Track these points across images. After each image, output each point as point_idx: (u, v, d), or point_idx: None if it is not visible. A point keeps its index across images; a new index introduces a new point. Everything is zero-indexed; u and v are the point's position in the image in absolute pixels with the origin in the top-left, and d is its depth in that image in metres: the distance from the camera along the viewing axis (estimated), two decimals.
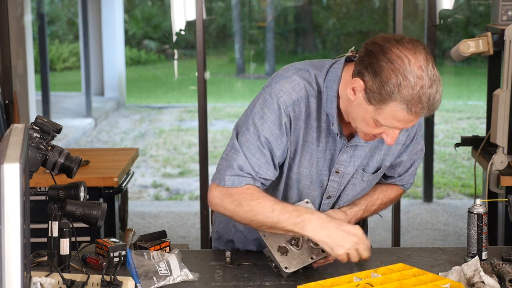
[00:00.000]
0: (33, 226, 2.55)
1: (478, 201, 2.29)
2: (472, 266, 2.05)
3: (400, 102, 1.92)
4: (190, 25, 7.99)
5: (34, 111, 6.40)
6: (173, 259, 2.14)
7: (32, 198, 2.31)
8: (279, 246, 2.14)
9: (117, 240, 2.23)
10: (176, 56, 13.59)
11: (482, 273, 2.02)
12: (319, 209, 2.26)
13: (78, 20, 11.31)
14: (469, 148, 4.01)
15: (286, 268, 2.11)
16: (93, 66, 11.53)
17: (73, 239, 2.14)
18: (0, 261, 1.34)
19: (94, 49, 11.62)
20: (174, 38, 13.10)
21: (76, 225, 2.13)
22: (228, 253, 2.25)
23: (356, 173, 2.23)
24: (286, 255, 2.13)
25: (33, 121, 2.14)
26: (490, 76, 3.99)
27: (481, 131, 8.99)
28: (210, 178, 4.72)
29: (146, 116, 11.58)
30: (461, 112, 11.23)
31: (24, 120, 5.29)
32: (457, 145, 4.00)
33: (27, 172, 1.79)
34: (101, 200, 3.41)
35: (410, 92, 1.91)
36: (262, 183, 2.13)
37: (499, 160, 3.44)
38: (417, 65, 1.91)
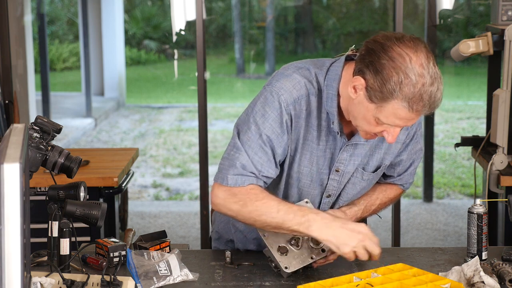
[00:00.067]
0: (33, 226, 2.55)
1: (478, 201, 2.29)
2: (472, 266, 2.05)
3: (401, 100, 1.92)
4: (190, 25, 8.00)
5: (34, 111, 6.40)
6: (173, 259, 2.14)
7: (32, 198, 2.31)
8: (279, 246, 2.14)
9: (117, 240, 2.23)
10: (176, 56, 13.59)
11: (482, 273, 2.02)
12: (318, 208, 2.26)
13: (78, 20, 11.32)
14: (469, 148, 4.01)
15: (286, 268, 2.11)
16: (93, 66, 11.54)
17: (73, 239, 2.14)
18: (0, 261, 1.34)
19: (94, 49, 11.62)
20: (174, 38, 13.11)
21: (76, 225, 2.13)
22: (228, 253, 2.25)
23: (356, 172, 2.23)
24: (286, 255, 2.13)
25: (33, 121, 2.14)
26: (490, 76, 3.99)
27: (481, 131, 8.99)
28: (210, 178, 4.73)
29: (146, 116, 11.59)
30: (461, 112, 11.23)
31: (24, 120, 5.29)
32: (457, 145, 4.00)
33: (27, 172, 1.79)
34: (101, 200, 3.41)
35: (412, 90, 1.91)
36: (264, 181, 2.13)
37: (499, 160, 3.44)
38: (418, 63, 1.91)
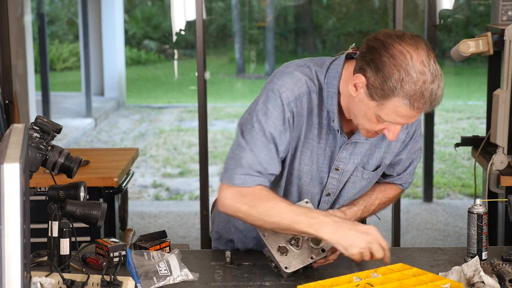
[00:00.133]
0: (33, 226, 2.55)
1: (478, 201, 2.29)
2: (472, 266, 2.05)
3: (402, 98, 1.92)
4: (190, 25, 8.00)
5: (34, 111, 6.40)
6: (173, 259, 2.14)
7: (32, 198, 2.31)
8: (279, 246, 2.14)
9: (117, 240, 2.23)
10: (176, 56, 13.60)
11: (482, 273, 2.02)
12: (318, 206, 2.26)
13: (78, 20, 11.32)
14: (469, 148, 4.01)
15: (286, 268, 2.11)
16: (93, 66, 11.54)
17: (73, 239, 2.14)
18: (0, 261, 1.34)
19: (94, 49, 11.62)
20: (174, 38, 13.11)
21: (76, 225, 2.13)
22: (228, 253, 2.25)
23: (356, 171, 2.23)
24: (286, 255, 2.13)
25: (33, 121, 2.14)
26: (490, 76, 3.99)
27: (481, 131, 8.99)
28: (210, 178, 4.74)
29: (146, 116, 11.59)
30: (461, 112, 11.23)
31: (24, 120, 5.29)
32: (457, 145, 4.00)
33: (27, 172, 1.79)
34: (101, 200, 3.41)
35: (413, 88, 1.91)
36: (269, 180, 2.13)
37: (499, 160, 3.44)
38: (419, 60, 1.92)
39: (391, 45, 1.93)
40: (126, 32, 12.72)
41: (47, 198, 2.15)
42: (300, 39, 13.43)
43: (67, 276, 2.04)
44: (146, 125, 10.94)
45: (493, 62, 3.95)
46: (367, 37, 2.00)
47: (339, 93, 2.11)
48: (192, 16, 4.81)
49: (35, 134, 2.11)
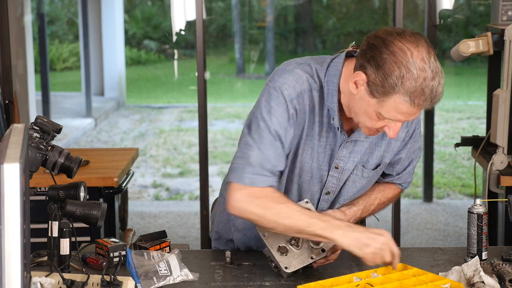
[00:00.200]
0: (33, 226, 2.55)
1: (478, 201, 2.29)
2: (472, 266, 2.05)
3: (403, 95, 1.93)
4: (190, 25, 8.00)
5: (34, 111, 6.39)
6: (173, 259, 2.14)
7: (32, 198, 2.31)
8: (279, 246, 2.14)
9: (117, 240, 2.23)
10: (176, 56, 13.60)
11: (482, 273, 2.02)
12: (317, 205, 2.26)
13: (78, 20, 11.32)
14: (469, 148, 4.01)
15: (286, 268, 2.11)
16: (93, 66, 11.54)
17: (73, 239, 2.14)
18: (0, 261, 1.34)
19: (94, 49, 11.62)
20: (174, 38, 13.11)
21: (76, 225, 2.13)
22: (228, 253, 2.24)
23: (356, 169, 2.23)
24: (286, 255, 2.13)
25: (33, 121, 2.14)
26: (490, 76, 3.99)
27: (481, 131, 8.99)
28: (210, 178, 4.74)
29: (146, 116, 11.59)
30: (461, 112, 11.23)
31: (24, 120, 5.29)
32: (457, 145, 4.00)
33: (27, 172, 1.79)
34: (101, 200, 3.41)
35: (413, 84, 1.91)
36: (277, 178, 2.12)
37: (499, 160, 3.44)
38: (420, 57, 1.92)
39: (392, 42, 1.94)
40: (126, 32, 12.72)
41: (47, 198, 2.15)
42: (300, 39, 13.43)
43: (67, 276, 2.04)
44: (146, 125, 10.94)
45: (493, 62, 3.95)
46: (367, 34, 2.01)
47: (339, 91, 2.11)
48: (192, 16, 4.81)
49: (35, 134, 2.11)
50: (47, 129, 2.12)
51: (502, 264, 2.14)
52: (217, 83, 12.83)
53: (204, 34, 4.36)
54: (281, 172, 2.19)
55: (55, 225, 2.12)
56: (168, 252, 2.26)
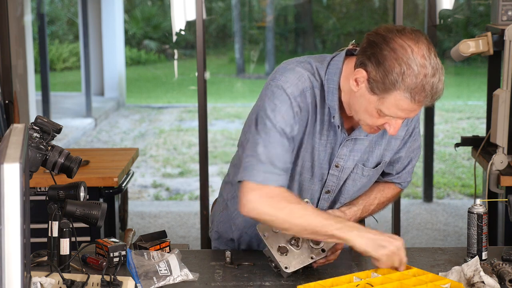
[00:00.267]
0: (33, 226, 2.55)
1: (478, 201, 2.29)
2: (472, 266, 2.05)
3: (403, 91, 1.93)
4: (190, 25, 8.00)
5: (34, 111, 6.40)
6: (173, 259, 2.14)
7: (32, 198, 2.31)
8: (279, 246, 2.14)
9: (117, 240, 2.23)
10: (176, 56, 13.60)
11: (482, 273, 2.02)
12: (317, 204, 2.26)
13: (78, 20, 11.32)
14: (469, 148, 4.01)
15: (286, 268, 2.11)
16: (93, 66, 11.54)
17: (73, 239, 2.14)
18: (0, 261, 1.34)
19: (94, 49, 11.63)
20: (174, 38, 13.11)
21: (76, 225, 2.13)
22: (228, 253, 2.24)
23: (356, 168, 2.23)
24: (286, 255, 2.13)
25: (33, 121, 2.14)
26: (490, 76, 3.99)
27: (481, 131, 8.99)
28: (210, 178, 4.73)
29: (146, 116, 11.59)
30: (461, 112, 11.24)
31: (24, 120, 5.29)
32: (457, 145, 4.00)
33: (27, 172, 1.79)
34: (101, 200, 3.41)
35: (414, 81, 1.91)
36: (287, 177, 2.12)
37: (499, 160, 3.44)
38: (420, 54, 1.92)
39: (392, 39, 1.94)
40: (126, 32, 12.72)
41: (47, 198, 2.15)
42: (300, 39, 13.43)
43: (67, 276, 2.04)
44: (146, 125, 10.94)
45: (493, 62, 3.95)
46: (368, 32, 2.01)
47: (339, 89, 2.11)
48: (192, 16, 4.81)
49: (35, 134, 2.11)
50: (47, 129, 2.12)
51: (502, 264, 2.14)
52: (217, 83, 12.83)
53: (204, 34, 4.36)
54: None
55: (55, 225, 2.12)
56: (168, 252, 2.26)
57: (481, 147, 3.74)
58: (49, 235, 2.14)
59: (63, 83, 13.53)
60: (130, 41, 13.97)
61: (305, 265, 2.14)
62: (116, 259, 2.19)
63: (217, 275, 2.16)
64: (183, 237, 5.65)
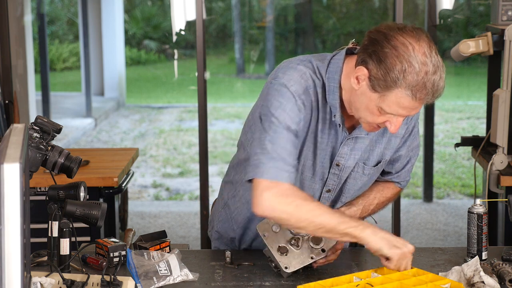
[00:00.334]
0: (33, 226, 2.55)
1: (478, 201, 2.29)
2: (472, 266, 2.05)
3: (405, 89, 1.93)
4: (190, 25, 8.00)
5: (34, 111, 6.40)
6: (173, 259, 2.14)
7: (32, 198, 2.31)
8: (279, 246, 2.14)
9: (117, 240, 2.23)
10: (176, 56, 13.61)
11: (482, 273, 2.02)
12: None
13: (78, 20, 11.32)
14: (469, 148, 4.01)
15: (286, 268, 2.11)
16: (93, 66, 11.54)
17: (73, 239, 2.14)
18: (0, 261, 1.34)
19: (94, 49, 11.63)
20: (174, 38, 13.12)
21: (76, 225, 2.13)
22: (228, 253, 2.25)
23: (357, 167, 2.23)
24: (286, 255, 2.13)
25: (33, 121, 2.14)
26: (490, 76, 3.99)
27: (481, 131, 8.99)
28: (210, 178, 4.73)
29: (146, 116, 11.59)
30: (461, 112, 11.24)
31: (24, 120, 5.29)
32: (457, 145, 4.00)
33: (27, 172, 1.79)
34: (101, 200, 3.41)
35: (415, 78, 1.92)
36: (296, 174, 2.11)
37: (499, 160, 3.44)
38: (421, 51, 1.92)
39: (393, 36, 1.94)
40: (126, 32, 12.72)
41: (47, 198, 2.15)
42: (300, 39, 13.43)
43: (67, 276, 2.04)
44: (146, 125, 10.94)
45: (493, 62, 3.95)
46: (369, 30, 2.01)
47: (340, 88, 2.11)
48: (192, 16, 4.81)
49: (35, 134, 2.11)
50: (47, 129, 2.12)
51: (502, 264, 2.14)
52: (217, 83, 12.83)
53: (204, 34, 4.36)
54: None
55: (55, 225, 2.13)
56: (168, 252, 2.26)
57: (481, 147, 3.74)
58: (49, 235, 2.14)
59: (63, 83, 13.53)
60: (130, 41, 13.98)
61: (305, 265, 2.14)
62: (116, 259, 2.19)
63: (217, 275, 2.16)
64: (183, 237, 5.65)
